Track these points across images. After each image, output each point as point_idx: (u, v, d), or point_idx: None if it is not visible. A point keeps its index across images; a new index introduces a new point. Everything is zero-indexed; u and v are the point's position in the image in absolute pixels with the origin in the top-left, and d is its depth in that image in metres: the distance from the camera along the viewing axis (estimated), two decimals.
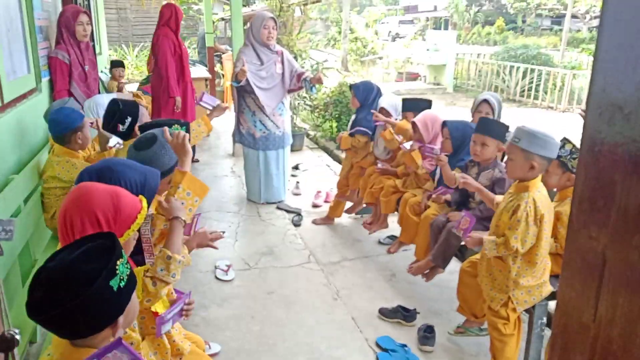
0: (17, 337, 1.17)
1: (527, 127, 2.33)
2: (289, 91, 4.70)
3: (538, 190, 2.34)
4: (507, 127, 2.90)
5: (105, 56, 8.03)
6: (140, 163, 1.96)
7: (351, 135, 4.17)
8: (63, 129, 2.84)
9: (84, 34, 3.93)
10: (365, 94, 4.13)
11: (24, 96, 3.20)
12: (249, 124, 4.63)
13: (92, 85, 4.14)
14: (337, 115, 6.99)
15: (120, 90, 5.56)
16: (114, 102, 2.91)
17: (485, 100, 3.39)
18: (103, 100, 3.57)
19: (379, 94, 4.12)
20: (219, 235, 2.19)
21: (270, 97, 4.50)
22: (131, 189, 1.60)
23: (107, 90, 5.67)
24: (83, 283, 1.09)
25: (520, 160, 2.32)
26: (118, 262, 1.15)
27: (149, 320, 1.76)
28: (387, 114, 3.89)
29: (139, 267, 1.63)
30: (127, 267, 1.19)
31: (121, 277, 1.15)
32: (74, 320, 1.10)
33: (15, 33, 3.14)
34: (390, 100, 3.96)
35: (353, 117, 4.27)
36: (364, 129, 4.08)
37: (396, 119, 3.89)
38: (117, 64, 5.79)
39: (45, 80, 3.70)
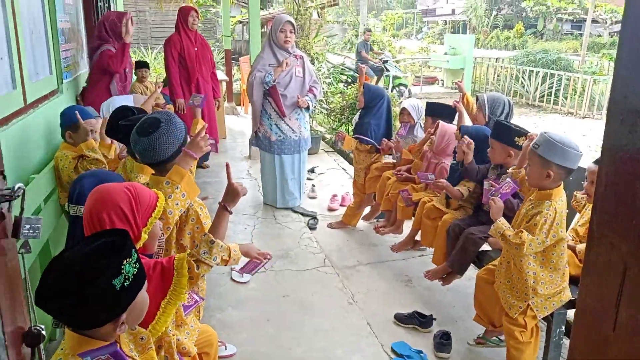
0: (43, 332, 1.20)
1: (551, 133, 2.27)
2: None
3: (560, 199, 2.30)
4: (521, 131, 2.79)
5: None
6: (148, 148, 1.96)
7: (355, 138, 4.21)
8: (60, 124, 3.00)
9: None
10: (372, 97, 4.14)
11: (46, 97, 3.25)
12: (265, 127, 4.64)
13: (127, 87, 4.42)
14: (352, 119, 6.98)
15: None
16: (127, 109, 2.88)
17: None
18: (120, 101, 3.61)
19: (387, 102, 4.13)
20: (266, 254, 2.05)
21: (287, 103, 4.50)
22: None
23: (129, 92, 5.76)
24: (87, 278, 1.14)
25: (537, 167, 2.29)
26: (125, 262, 1.19)
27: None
28: (408, 114, 3.91)
29: (182, 254, 1.69)
30: (134, 267, 1.23)
31: (126, 277, 1.19)
32: (75, 312, 1.15)
33: (38, 35, 3.19)
34: (413, 102, 3.99)
35: (357, 116, 4.28)
36: (366, 139, 4.12)
37: (417, 122, 3.92)
38: (141, 65, 5.89)
39: (66, 81, 3.76)
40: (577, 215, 2.80)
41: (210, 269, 1.71)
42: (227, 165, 2.03)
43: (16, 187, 1.13)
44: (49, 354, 2.52)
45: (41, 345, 1.21)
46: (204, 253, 1.66)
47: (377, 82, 11.66)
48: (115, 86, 4.11)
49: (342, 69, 11.78)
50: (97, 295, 1.14)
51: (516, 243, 2.28)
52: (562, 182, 2.33)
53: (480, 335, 2.83)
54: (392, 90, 11.34)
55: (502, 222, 2.38)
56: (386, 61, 12.00)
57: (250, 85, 4.50)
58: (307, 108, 4.60)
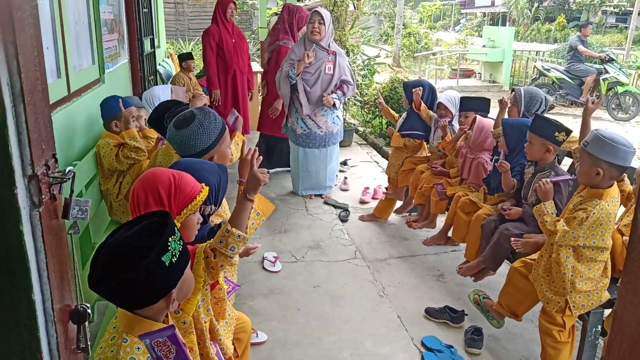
0: (89, 311, 1.25)
1: (601, 131, 2.22)
2: None
3: (612, 200, 2.24)
4: (562, 126, 2.73)
5: (163, 49, 8.28)
6: (179, 141, 2.07)
7: (403, 136, 4.15)
8: (103, 114, 3.10)
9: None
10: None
11: (88, 86, 3.35)
12: (292, 120, 4.68)
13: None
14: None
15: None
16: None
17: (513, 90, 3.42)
18: (158, 91, 3.69)
19: (431, 92, 4.06)
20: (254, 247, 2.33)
21: (309, 103, 4.48)
22: (211, 189, 1.75)
23: (166, 82, 5.89)
24: (137, 258, 1.17)
25: (586, 165, 2.25)
26: (170, 239, 1.22)
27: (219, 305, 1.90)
28: (445, 109, 3.84)
29: (203, 244, 1.70)
30: (179, 244, 1.26)
31: (173, 253, 1.22)
32: (129, 291, 1.19)
33: (82, 26, 3.29)
34: (449, 95, 3.89)
35: (404, 114, 4.22)
36: (418, 133, 4.06)
37: (454, 115, 3.84)
38: (187, 57, 6.11)
39: (108, 72, 3.85)
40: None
41: (231, 260, 1.66)
42: (254, 151, 2.00)
43: (67, 170, 1.17)
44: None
45: (86, 323, 1.26)
46: (220, 242, 1.63)
47: (593, 89, 9.80)
48: None
49: (542, 71, 10.38)
50: (149, 272, 1.17)
51: (550, 230, 2.31)
52: (615, 182, 2.28)
53: (485, 298, 2.81)
54: (609, 100, 9.36)
55: (546, 205, 2.40)
56: (611, 60, 9.67)
57: (277, 79, 4.53)
58: (334, 105, 4.55)
